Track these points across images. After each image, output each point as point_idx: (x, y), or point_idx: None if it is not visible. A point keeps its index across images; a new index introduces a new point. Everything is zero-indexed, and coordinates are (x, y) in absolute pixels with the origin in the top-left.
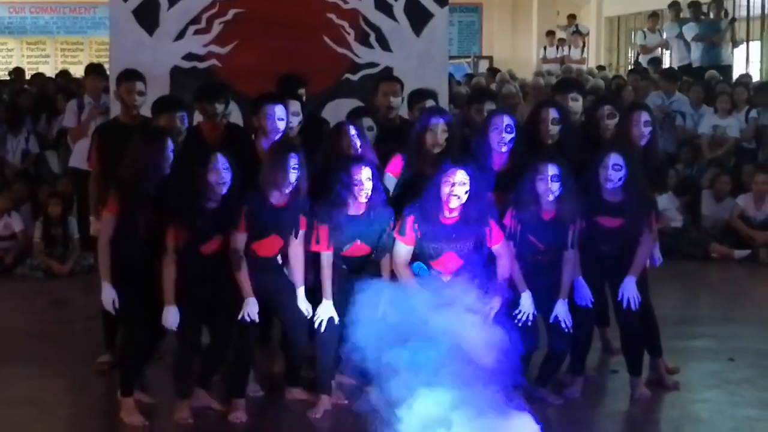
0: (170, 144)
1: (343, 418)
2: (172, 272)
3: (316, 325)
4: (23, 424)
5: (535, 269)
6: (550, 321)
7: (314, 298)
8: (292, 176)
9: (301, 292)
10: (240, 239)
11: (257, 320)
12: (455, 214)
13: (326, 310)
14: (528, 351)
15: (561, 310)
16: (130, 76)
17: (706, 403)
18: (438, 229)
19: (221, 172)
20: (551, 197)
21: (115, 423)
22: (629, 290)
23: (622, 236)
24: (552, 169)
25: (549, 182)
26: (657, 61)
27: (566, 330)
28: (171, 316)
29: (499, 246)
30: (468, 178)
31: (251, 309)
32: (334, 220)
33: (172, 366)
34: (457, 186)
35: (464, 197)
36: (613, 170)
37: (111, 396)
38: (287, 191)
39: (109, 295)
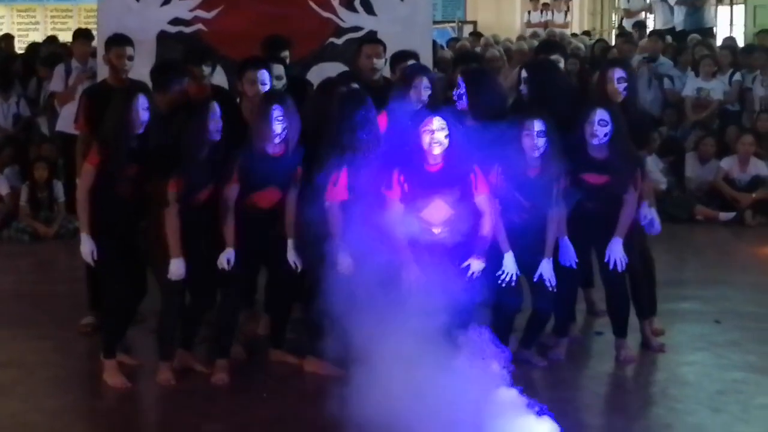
0: (145, 101)
1: (328, 384)
2: (176, 223)
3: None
4: (6, 385)
5: (521, 228)
6: (534, 280)
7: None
8: (277, 127)
9: (291, 244)
10: (232, 190)
11: (231, 268)
12: (439, 161)
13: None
14: (511, 312)
15: (546, 268)
16: (120, 40)
17: (692, 365)
18: (423, 178)
19: (218, 121)
20: (537, 153)
21: (98, 384)
22: (615, 252)
23: (607, 194)
24: (538, 125)
25: (535, 138)
26: (642, 25)
27: (551, 289)
28: (178, 268)
29: (482, 198)
30: (445, 123)
31: (229, 256)
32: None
33: (155, 327)
34: (437, 132)
35: (445, 142)
36: (599, 126)
37: (94, 358)
38: (277, 141)
39: (87, 247)
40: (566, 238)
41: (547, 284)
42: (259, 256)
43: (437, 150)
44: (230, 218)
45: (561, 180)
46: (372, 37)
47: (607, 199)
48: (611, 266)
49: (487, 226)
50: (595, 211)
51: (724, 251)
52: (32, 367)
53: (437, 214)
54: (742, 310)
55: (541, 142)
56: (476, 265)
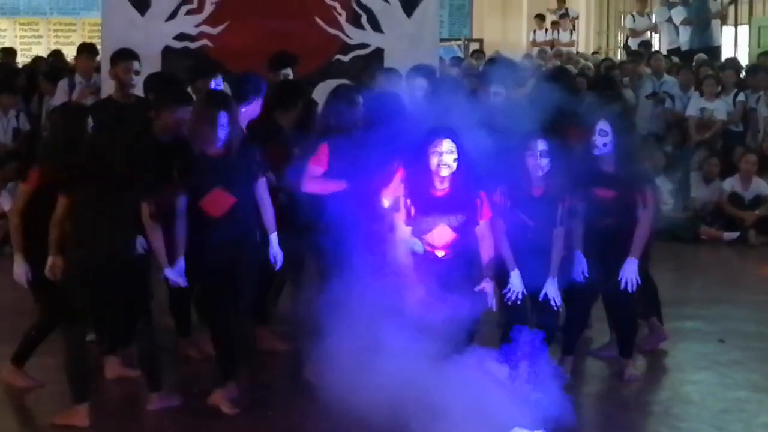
0: (89, 121)
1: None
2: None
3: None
4: (9, 401)
5: (526, 247)
6: (540, 299)
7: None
8: (222, 133)
9: (273, 239)
10: (179, 199)
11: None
12: (446, 185)
13: None
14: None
15: (551, 288)
16: (127, 55)
17: (696, 384)
18: (429, 201)
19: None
20: (540, 173)
21: (104, 401)
22: (630, 272)
23: (617, 209)
24: (541, 145)
25: (538, 157)
26: (647, 44)
27: (555, 309)
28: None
29: (484, 224)
30: (455, 146)
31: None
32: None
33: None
34: (445, 155)
35: (454, 165)
36: (599, 135)
37: (98, 375)
38: (219, 145)
39: (21, 269)
40: (580, 251)
41: (552, 304)
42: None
43: (445, 172)
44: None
45: (566, 199)
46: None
47: (618, 214)
48: (622, 286)
49: (486, 254)
50: (606, 228)
51: (728, 271)
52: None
53: (440, 238)
54: (746, 329)
55: (544, 162)
56: (487, 287)
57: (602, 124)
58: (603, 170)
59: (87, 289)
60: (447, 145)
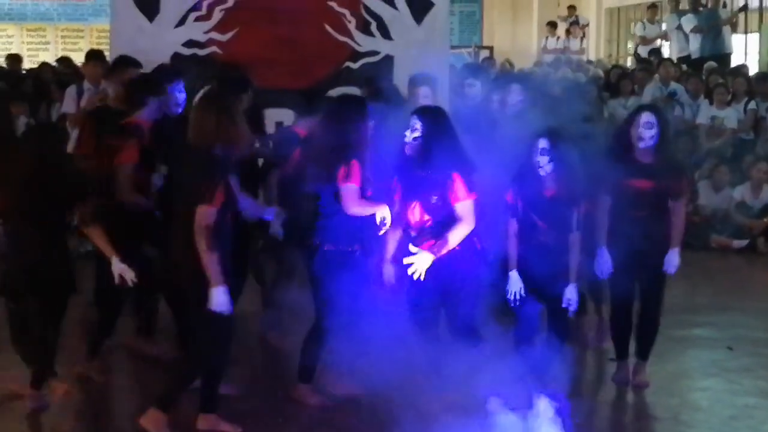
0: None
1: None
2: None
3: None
4: (20, 411)
5: (539, 251)
6: (562, 305)
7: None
8: None
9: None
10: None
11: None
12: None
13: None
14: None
15: (572, 294)
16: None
17: (705, 391)
18: (408, 179)
19: None
20: (543, 172)
21: (114, 410)
22: (673, 261)
23: (653, 200)
24: (542, 143)
25: (539, 155)
26: (657, 52)
27: (570, 316)
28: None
29: (462, 205)
30: (419, 123)
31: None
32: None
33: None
34: (409, 132)
35: (413, 143)
36: (645, 128)
37: (107, 385)
38: None
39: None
40: (604, 248)
41: (570, 310)
42: None
43: (408, 150)
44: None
45: (581, 204)
46: None
47: (653, 206)
48: (672, 271)
49: (456, 233)
50: (642, 219)
51: (737, 278)
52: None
53: (415, 218)
54: (755, 336)
55: (544, 160)
56: (420, 259)
57: (647, 116)
58: (641, 162)
59: None
60: (412, 121)
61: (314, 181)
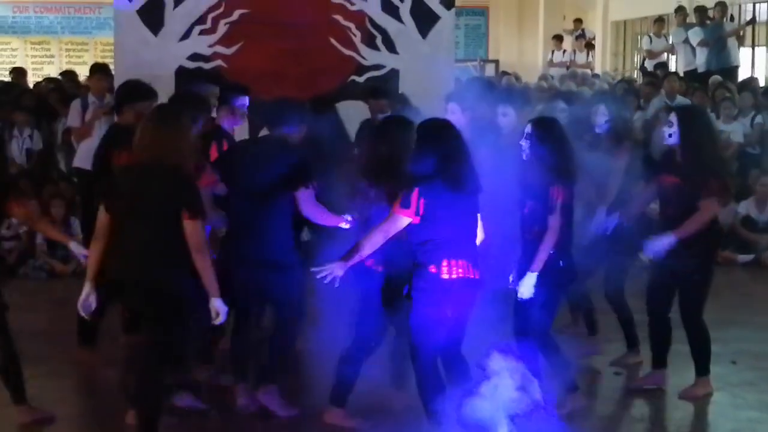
0: None
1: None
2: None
3: None
4: (25, 422)
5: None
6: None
7: None
8: None
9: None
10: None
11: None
12: None
13: None
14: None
15: (528, 283)
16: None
17: (708, 404)
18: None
19: None
20: (524, 156)
21: (117, 422)
22: (660, 244)
23: (679, 197)
24: (527, 128)
25: (523, 139)
26: (664, 66)
27: (529, 308)
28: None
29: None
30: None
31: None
32: None
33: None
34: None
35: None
36: (666, 126)
37: (112, 395)
38: None
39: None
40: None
41: (524, 301)
42: None
43: None
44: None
45: (556, 190)
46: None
47: (681, 203)
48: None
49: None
50: (672, 216)
51: (742, 293)
52: (50, 405)
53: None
54: (758, 351)
55: (525, 144)
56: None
57: (672, 115)
58: (672, 158)
59: None
60: None
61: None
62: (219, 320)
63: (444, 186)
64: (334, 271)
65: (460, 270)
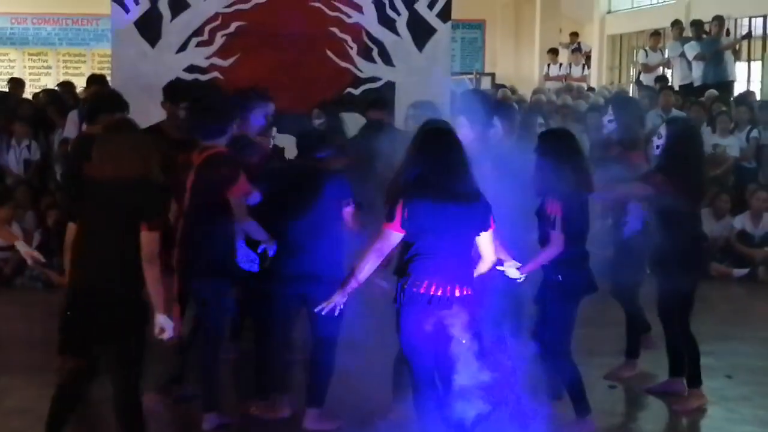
0: None
1: None
2: None
3: None
4: None
5: None
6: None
7: None
8: None
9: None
10: None
11: None
12: None
13: None
14: None
15: (508, 270)
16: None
17: (704, 419)
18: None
19: None
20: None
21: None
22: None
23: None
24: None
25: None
26: (663, 79)
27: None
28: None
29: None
30: None
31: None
32: None
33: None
34: None
35: None
36: (656, 138)
37: (107, 405)
38: None
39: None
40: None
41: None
42: None
43: None
44: None
45: (551, 204)
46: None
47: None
48: None
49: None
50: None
51: (737, 307)
52: (46, 415)
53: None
54: (754, 365)
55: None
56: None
57: (662, 128)
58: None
59: None
60: None
61: None
62: (165, 336)
63: (430, 196)
64: (336, 302)
65: (446, 287)
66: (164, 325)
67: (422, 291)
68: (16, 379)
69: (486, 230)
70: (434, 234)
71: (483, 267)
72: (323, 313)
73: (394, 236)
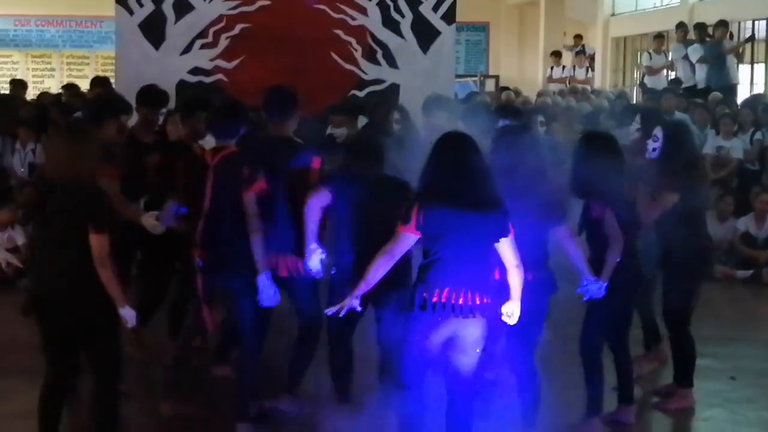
0: None
1: None
2: None
3: None
4: None
5: None
6: None
7: None
8: None
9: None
10: None
11: None
12: None
13: None
14: None
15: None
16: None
17: (707, 421)
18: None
19: None
20: None
21: None
22: None
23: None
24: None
25: None
26: (678, 81)
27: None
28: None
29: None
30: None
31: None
32: None
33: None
34: None
35: None
36: (652, 140)
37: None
38: None
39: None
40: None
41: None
42: None
43: None
44: None
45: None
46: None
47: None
48: None
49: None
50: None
51: (741, 309)
52: None
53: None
54: (758, 367)
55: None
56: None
57: (657, 130)
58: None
59: None
60: None
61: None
62: (128, 325)
63: (446, 201)
64: (351, 305)
65: (467, 294)
66: (126, 316)
67: (443, 300)
68: (18, 383)
69: (505, 236)
70: (451, 240)
71: (515, 275)
72: (330, 313)
73: (409, 239)
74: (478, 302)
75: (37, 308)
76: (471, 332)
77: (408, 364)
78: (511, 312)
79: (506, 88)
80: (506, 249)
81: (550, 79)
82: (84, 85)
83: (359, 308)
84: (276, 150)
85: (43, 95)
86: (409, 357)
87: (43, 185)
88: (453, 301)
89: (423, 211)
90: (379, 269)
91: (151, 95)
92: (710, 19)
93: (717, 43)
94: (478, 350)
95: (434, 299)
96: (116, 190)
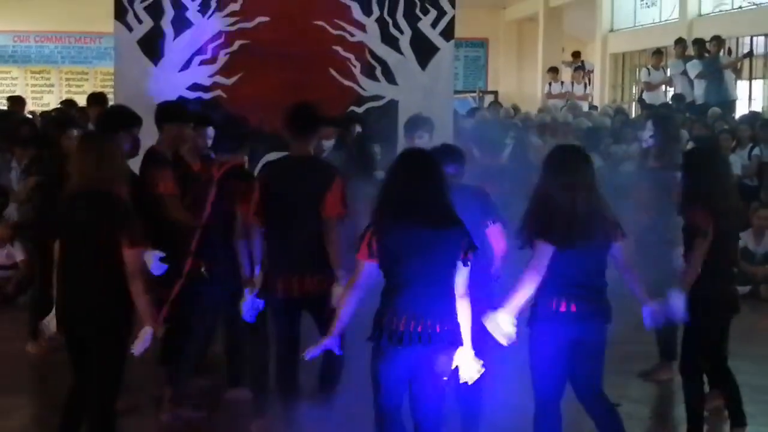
0: None
1: None
2: None
3: None
4: None
5: None
6: None
7: None
8: None
9: None
10: None
11: None
12: None
13: None
14: None
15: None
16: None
17: None
18: None
19: None
20: None
21: None
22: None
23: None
24: None
25: None
26: (681, 98)
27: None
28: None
29: None
30: None
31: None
32: None
33: None
34: None
35: None
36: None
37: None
38: None
39: None
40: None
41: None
42: None
43: None
44: None
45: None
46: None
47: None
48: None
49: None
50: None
51: (739, 324)
52: None
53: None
54: (756, 383)
55: None
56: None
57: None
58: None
59: None
60: None
61: None
62: (136, 349)
63: (398, 223)
64: (327, 346)
65: (426, 322)
66: (144, 338)
67: (401, 328)
68: (19, 399)
69: (465, 257)
70: (405, 263)
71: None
72: (308, 357)
73: (368, 267)
74: (438, 330)
75: (64, 320)
76: (436, 361)
77: (377, 399)
78: (463, 364)
79: (496, 103)
80: (463, 274)
81: (548, 95)
82: (83, 102)
83: (339, 351)
84: (297, 169)
85: (45, 115)
86: (378, 390)
87: (68, 198)
88: (411, 329)
89: (375, 235)
90: (349, 305)
91: (177, 110)
92: (709, 35)
93: (715, 59)
94: (444, 379)
95: (395, 327)
96: (177, 201)
